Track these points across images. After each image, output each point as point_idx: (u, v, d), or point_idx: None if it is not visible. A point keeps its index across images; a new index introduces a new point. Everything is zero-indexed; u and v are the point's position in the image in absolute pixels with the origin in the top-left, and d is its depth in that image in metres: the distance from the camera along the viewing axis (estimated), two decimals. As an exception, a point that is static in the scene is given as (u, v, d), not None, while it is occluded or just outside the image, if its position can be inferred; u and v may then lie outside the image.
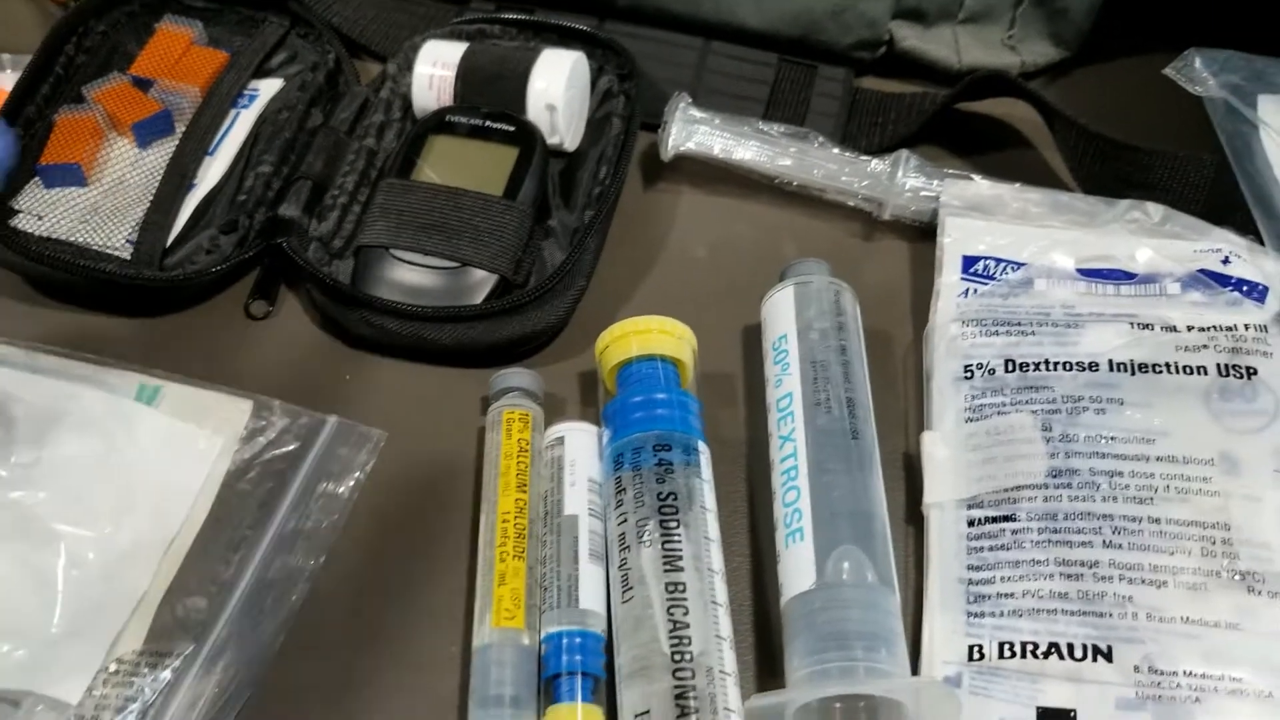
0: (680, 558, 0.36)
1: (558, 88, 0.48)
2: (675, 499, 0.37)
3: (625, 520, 0.37)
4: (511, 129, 0.48)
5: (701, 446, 0.39)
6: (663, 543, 0.36)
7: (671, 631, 0.35)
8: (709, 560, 0.37)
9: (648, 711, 0.33)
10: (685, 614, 0.35)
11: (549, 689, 0.36)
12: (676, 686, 0.34)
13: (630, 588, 0.36)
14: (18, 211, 0.47)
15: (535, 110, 0.49)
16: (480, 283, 0.44)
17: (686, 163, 0.50)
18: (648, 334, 0.41)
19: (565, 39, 0.52)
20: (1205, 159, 0.46)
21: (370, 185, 0.49)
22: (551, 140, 0.49)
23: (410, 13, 0.56)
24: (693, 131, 0.49)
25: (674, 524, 0.37)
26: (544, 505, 0.39)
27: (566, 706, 0.35)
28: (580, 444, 0.40)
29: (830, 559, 0.36)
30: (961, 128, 0.52)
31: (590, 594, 0.37)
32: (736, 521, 0.41)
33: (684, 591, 0.35)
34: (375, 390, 0.44)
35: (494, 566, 0.38)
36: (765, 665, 0.38)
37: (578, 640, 0.36)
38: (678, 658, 0.34)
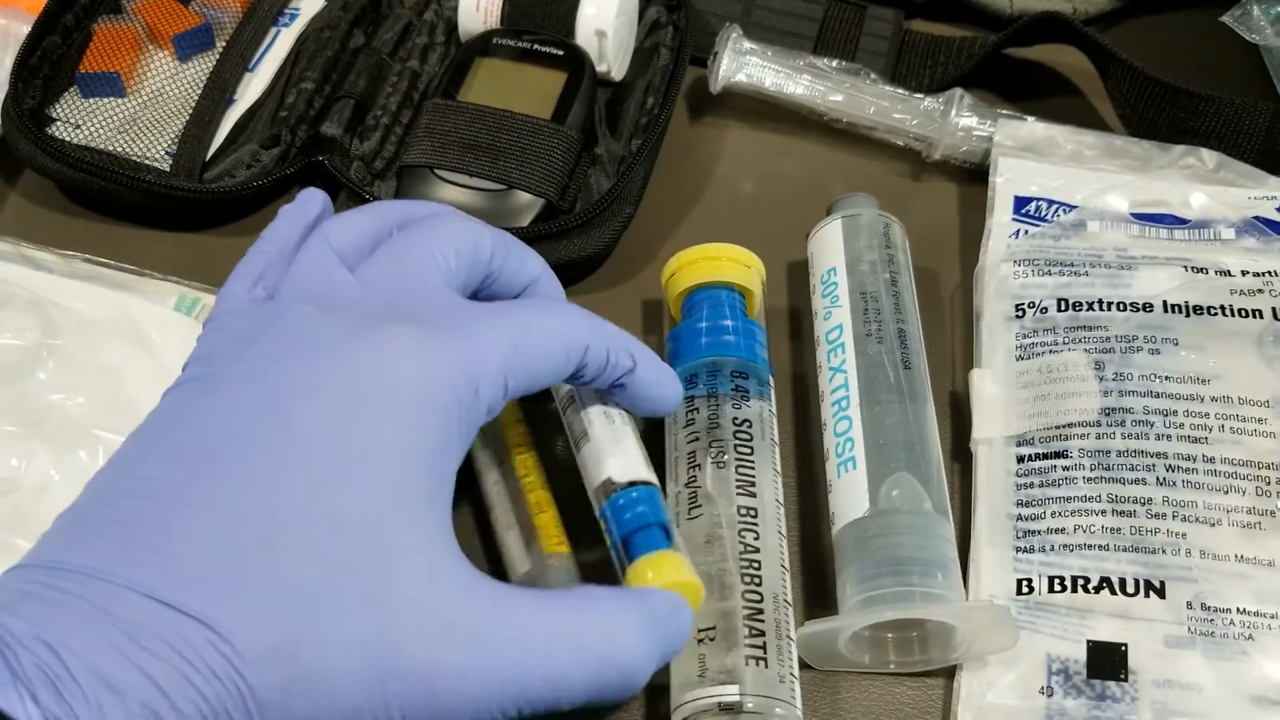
0: (753, 483, 0.36)
1: (608, 13, 0.48)
2: (750, 426, 0.37)
3: (697, 439, 0.37)
4: (560, 53, 0.47)
5: (771, 380, 0.39)
6: (737, 466, 0.36)
7: (742, 554, 0.34)
8: (776, 490, 0.37)
9: (713, 628, 0.33)
10: (756, 539, 0.35)
11: (625, 549, 0.33)
12: (746, 607, 0.33)
13: (698, 505, 0.35)
14: (54, 120, 0.46)
15: (584, 36, 0.48)
16: (526, 206, 0.44)
17: (733, 97, 0.50)
18: (718, 260, 0.40)
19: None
20: (1262, 106, 0.45)
21: (413, 107, 0.48)
22: (599, 68, 0.48)
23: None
24: (744, 64, 0.48)
25: (748, 450, 0.36)
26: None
27: (647, 557, 0.32)
28: None
29: (883, 486, 0.36)
30: (1011, 73, 0.52)
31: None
32: (784, 454, 0.40)
33: (755, 517, 0.35)
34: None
35: (525, 497, 0.37)
36: (809, 599, 0.38)
37: (634, 495, 0.33)
38: (747, 579, 0.34)
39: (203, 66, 0.48)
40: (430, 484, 0.29)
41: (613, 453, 0.34)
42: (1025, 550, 0.37)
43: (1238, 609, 0.35)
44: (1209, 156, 0.45)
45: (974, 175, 0.48)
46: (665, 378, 0.35)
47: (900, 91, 0.48)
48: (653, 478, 0.34)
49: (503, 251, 0.34)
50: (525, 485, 0.37)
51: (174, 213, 0.46)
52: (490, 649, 0.28)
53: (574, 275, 0.45)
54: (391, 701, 0.27)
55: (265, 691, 0.26)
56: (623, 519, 0.33)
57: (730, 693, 0.32)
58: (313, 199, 0.35)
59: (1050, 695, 0.35)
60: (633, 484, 0.33)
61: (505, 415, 0.39)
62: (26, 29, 0.49)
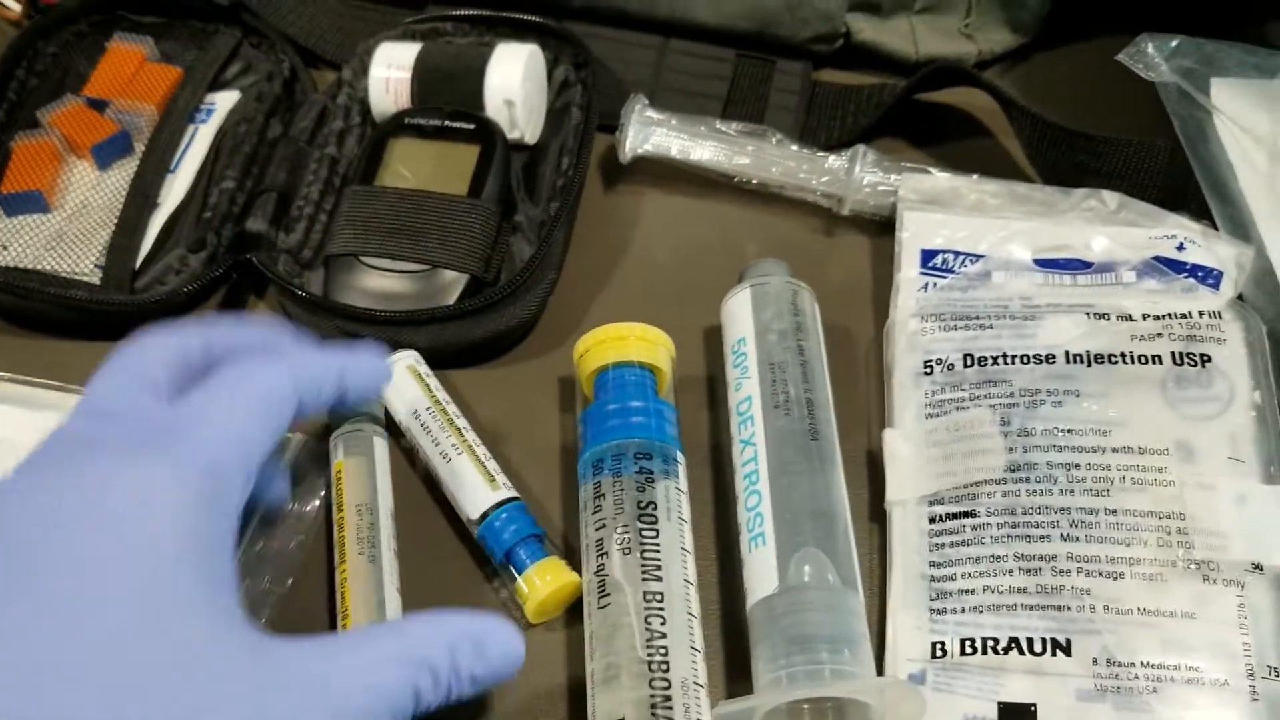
0: (659, 567, 0.36)
1: (514, 81, 0.48)
2: (655, 508, 0.38)
3: (604, 526, 0.38)
4: (471, 127, 0.48)
5: (679, 456, 0.40)
6: (642, 551, 0.37)
7: (649, 641, 0.35)
8: (685, 571, 0.37)
9: (623, 719, 0.34)
10: (663, 624, 0.35)
11: (510, 562, 0.39)
12: (653, 696, 0.34)
13: (607, 594, 0.36)
14: (-21, 242, 0.47)
15: (494, 106, 0.49)
16: (452, 283, 0.45)
17: (646, 163, 0.50)
18: (626, 340, 0.41)
19: (519, 32, 0.52)
20: (1159, 145, 0.46)
21: (335, 193, 0.49)
22: (512, 135, 0.49)
23: (363, 19, 0.56)
24: (650, 133, 0.49)
25: (653, 533, 0.37)
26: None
27: (525, 573, 0.38)
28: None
29: (792, 562, 0.37)
30: (922, 118, 0.52)
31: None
32: (703, 525, 0.41)
33: (662, 601, 0.36)
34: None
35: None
36: (732, 672, 0.38)
37: (503, 516, 0.39)
38: (654, 667, 0.35)
39: (124, 173, 0.49)
40: (199, 576, 0.30)
41: (472, 483, 0.40)
42: (939, 612, 0.38)
43: (1142, 662, 0.35)
44: (1110, 198, 0.45)
45: (886, 228, 0.48)
46: (371, 366, 0.38)
47: (805, 150, 0.48)
48: (515, 493, 0.40)
49: (215, 346, 0.36)
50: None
51: (103, 324, 0.46)
52: (300, 697, 0.29)
53: (501, 348, 0.46)
54: None
55: None
56: (500, 537, 0.39)
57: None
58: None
59: (968, 756, 0.35)
60: (501, 504, 0.39)
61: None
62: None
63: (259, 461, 0.33)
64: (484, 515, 0.39)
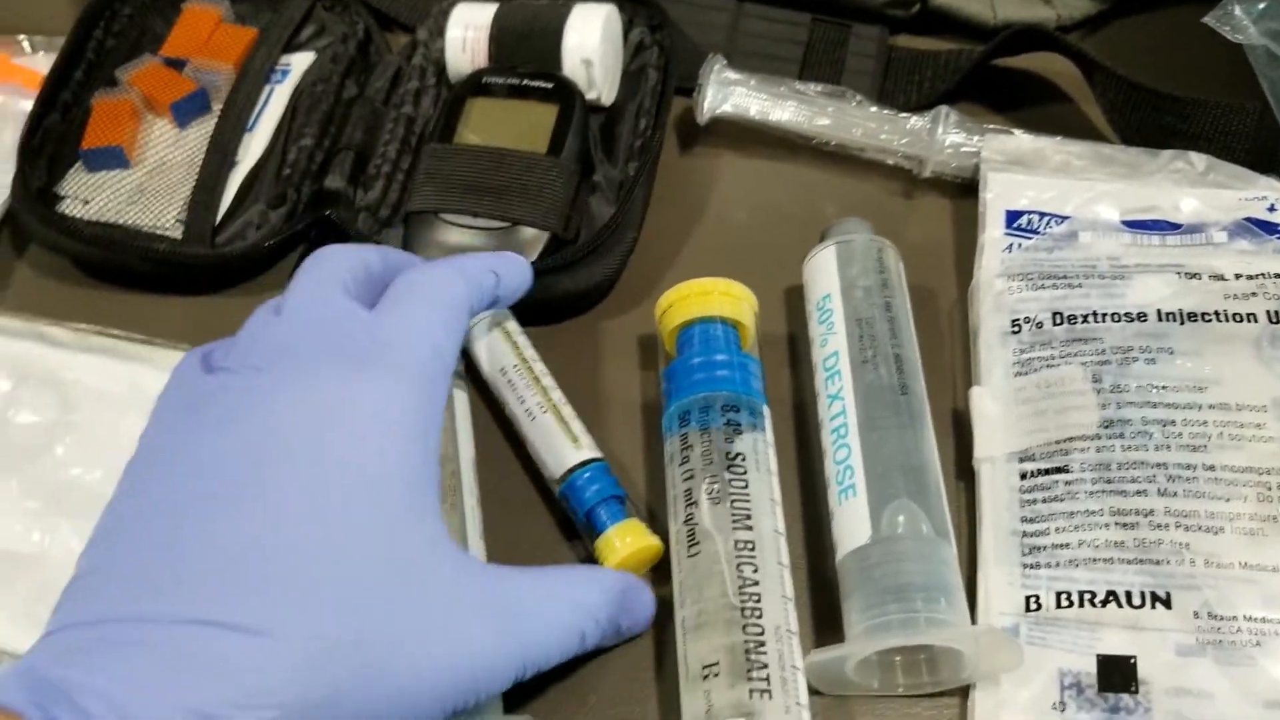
0: (749, 516, 0.36)
1: (592, 41, 0.48)
2: (743, 459, 0.37)
3: (692, 477, 0.37)
4: (550, 86, 0.48)
5: (765, 410, 0.40)
6: (732, 501, 0.36)
7: (742, 588, 0.35)
8: (775, 522, 0.37)
9: (716, 664, 0.34)
10: (755, 571, 0.35)
11: (590, 521, 0.39)
12: (746, 641, 0.34)
13: (697, 542, 0.36)
14: (62, 197, 0.47)
15: (571, 66, 0.49)
16: (531, 241, 0.45)
17: (723, 125, 0.50)
18: (710, 295, 0.41)
19: (594, -8, 0.52)
20: (1248, 107, 0.46)
21: (412, 152, 0.49)
22: (589, 95, 0.49)
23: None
24: (729, 94, 0.49)
25: (742, 483, 0.37)
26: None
27: (606, 533, 0.38)
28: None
29: (884, 513, 0.36)
30: (999, 84, 0.52)
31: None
32: (788, 481, 0.41)
33: (753, 550, 0.36)
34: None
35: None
36: (819, 625, 0.38)
37: (585, 475, 0.39)
38: (747, 613, 0.34)
39: (202, 131, 0.49)
40: (419, 489, 0.32)
41: (556, 442, 0.40)
42: (1032, 567, 0.37)
43: (1245, 616, 0.35)
44: (1198, 160, 0.45)
45: (966, 190, 0.48)
46: (518, 266, 0.40)
47: (886, 111, 0.48)
48: (598, 453, 0.40)
49: (388, 259, 0.37)
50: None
51: (184, 278, 0.47)
52: (502, 621, 0.32)
53: (581, 307, 0.46)
54: (429, 681, 0.30)
55: (319, 689, 0.28)
56: (582, 497, 0.39)
57: (737, 726, 0.33)
58: None
59: (1064, 710, 0.35)
60: (584, 463, 0.39)
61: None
62: (22, 104, 0.50)
63: (452, 371, 0.35)
64: (566, 474, 0.39)
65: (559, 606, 0.34)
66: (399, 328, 0.34)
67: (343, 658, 0.28)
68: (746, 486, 0.37)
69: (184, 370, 0.34)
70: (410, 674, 0.30)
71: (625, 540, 0.38)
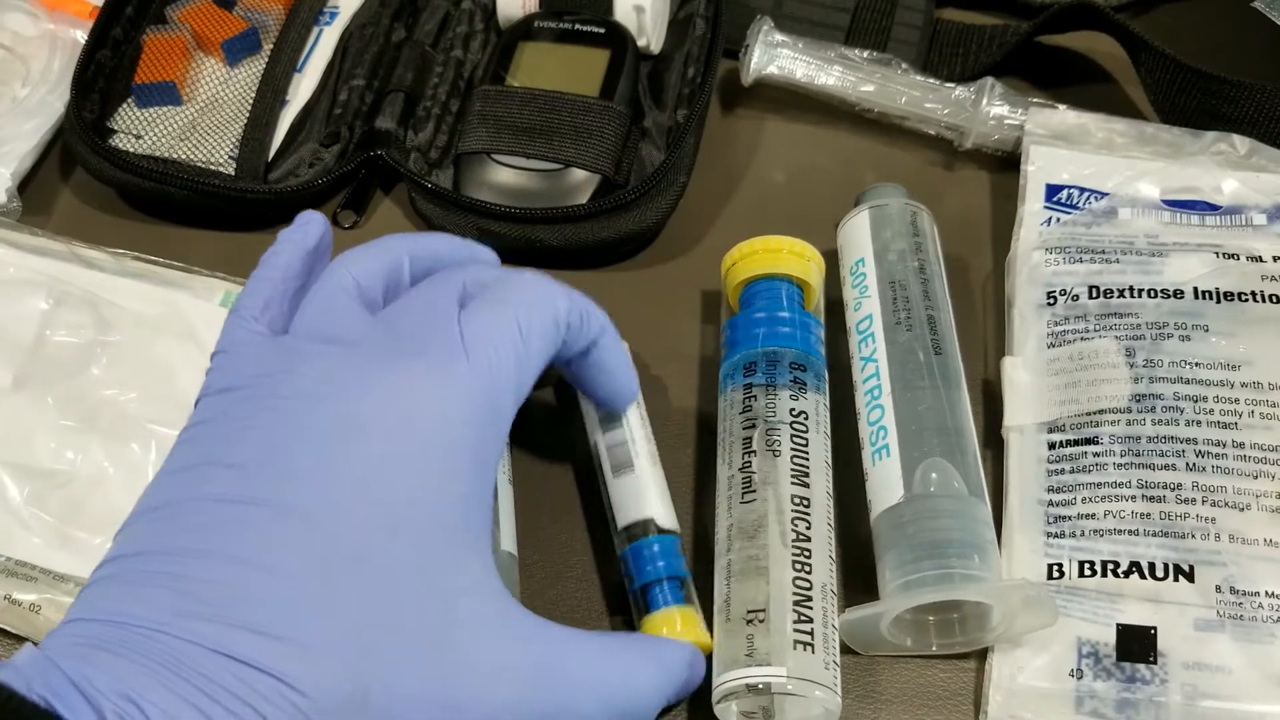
0: (807, 474, 0.37)
1: None
2: (806, 419, 0.38)
3: (753, 426, 0.38)
4: (601, 31, 0.49)
5: (825, 375, 0.40)
6: (792, 456, 0.37)
7: (794, 541, 0.35)
8: (827, 484, 0.37)
9: (763, 610, 0.34)
10: (808, 528, 0.36)
11: (643, 598, 0.36)
12: (796, 594, 0.34)
13: (753, 489, 0.36)
14: (114, 131, 0.47)
15: (622, 12, 0.49)
16: (583, 183, 0.45)
17: (764, 89, 0.50)
18: (779, 253, 0.41)
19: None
20: (1294, 92, 0.46)
21: (461, 95, 0.50)
22: (639, 42, 0.49)
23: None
24: (775, 56, 0.49)
25: (803, 441, 0.37)
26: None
27: (662, 612, 0.35)
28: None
29: (918, 471, 0.37)
30: (1044, 60, 0.52)
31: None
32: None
33: (808, 507, 0.36)
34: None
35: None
36: (849, 587, 0.39)
37: (655, 547, 0.36)
38: (799, 567, 0.35)
39: (253, 70, 0.49)
40: (473, 521, 0.30)
41: (657, 494, 0.37)
42: (1056, 535, 0.38)
43: (1266, 592, 0.35)
44: (1241, 142, 0.45)
45: (1005, 163, 0.48)
46: (626, 362, 0.37)
47: (931, 81, 0.48)
48: (678, 527, 0.37)
49: (577, 318, 0.34)
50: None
51: (232, 214, 0.47)
52: (536, 688, 0.30)
53: (626, 252, 0.46)
54: None
55: None
56: (645, 569, 0.36)
57: (775, 674, 0.33)
58: (312, 222, 0.35)
59: (1080, 678, 0.35)
60: (662, 531, 0.37)
61: None
62: (75, 33, 0.51)
63: (531, 384, 0.32)
64: (635, 535, 0.37)
65: (610, 682, 0.31)
66: (477, 334, 0.31)
67: (354, 712, 0.27)
68: (807, 445, 0.37)
69: (242, 323, 0.32)
70: None
71: (675, 630, 0.35)
